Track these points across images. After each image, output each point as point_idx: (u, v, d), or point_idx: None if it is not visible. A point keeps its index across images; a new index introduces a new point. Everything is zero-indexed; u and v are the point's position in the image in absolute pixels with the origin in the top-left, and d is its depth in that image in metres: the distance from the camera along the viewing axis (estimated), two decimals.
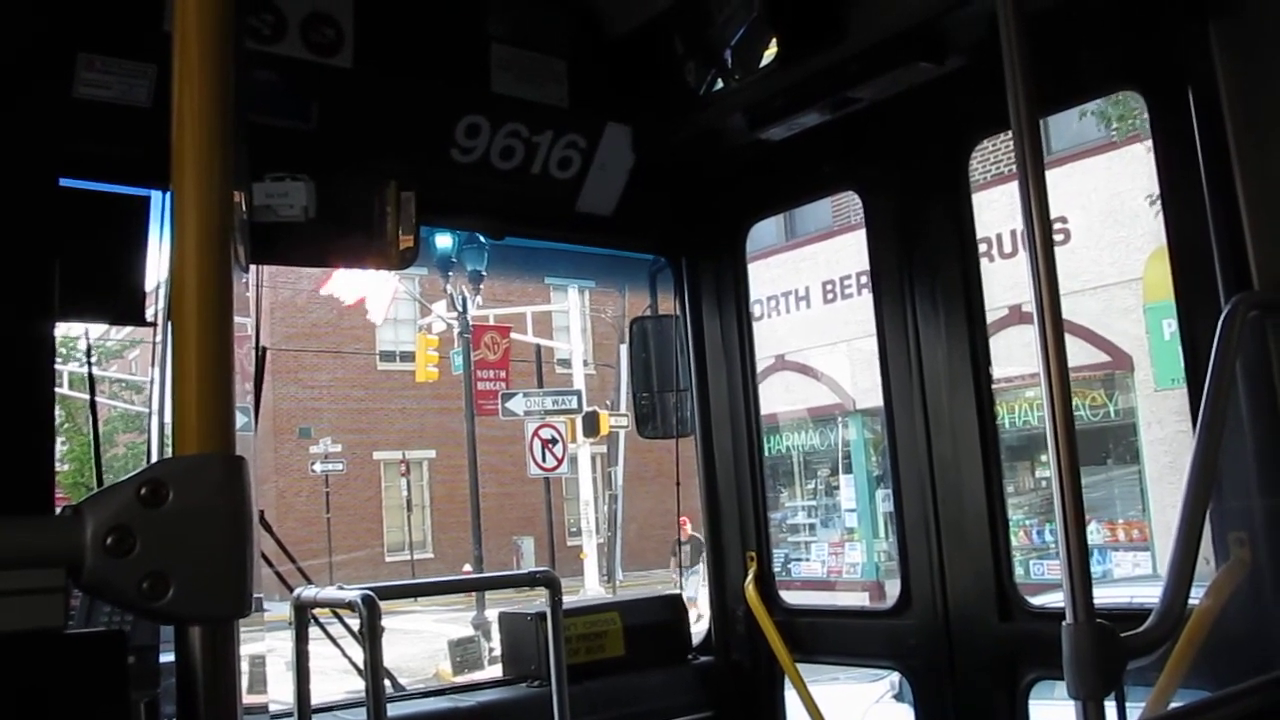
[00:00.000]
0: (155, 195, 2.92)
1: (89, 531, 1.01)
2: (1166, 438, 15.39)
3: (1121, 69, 3.23)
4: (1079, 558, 1.88)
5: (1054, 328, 1.93)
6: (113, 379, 31.12)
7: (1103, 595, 1.91)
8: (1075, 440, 1.93)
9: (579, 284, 26.23)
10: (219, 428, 1.05)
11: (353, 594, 3.06)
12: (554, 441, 23.78)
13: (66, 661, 1.12)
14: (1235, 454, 2.67)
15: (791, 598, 4.38)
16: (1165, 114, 3.04)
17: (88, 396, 3.79)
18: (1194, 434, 2.34)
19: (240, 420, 1.12)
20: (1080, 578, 1.87)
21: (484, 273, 20.90)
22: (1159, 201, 3.12)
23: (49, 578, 1.02)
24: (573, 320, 28.06)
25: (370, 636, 2.99)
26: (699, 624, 4.63)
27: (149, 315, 2.93)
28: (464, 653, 17.93)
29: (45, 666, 1.10)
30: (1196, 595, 2.53)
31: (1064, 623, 1.88)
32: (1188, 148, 2.86)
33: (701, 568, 5.23)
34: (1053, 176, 2.04)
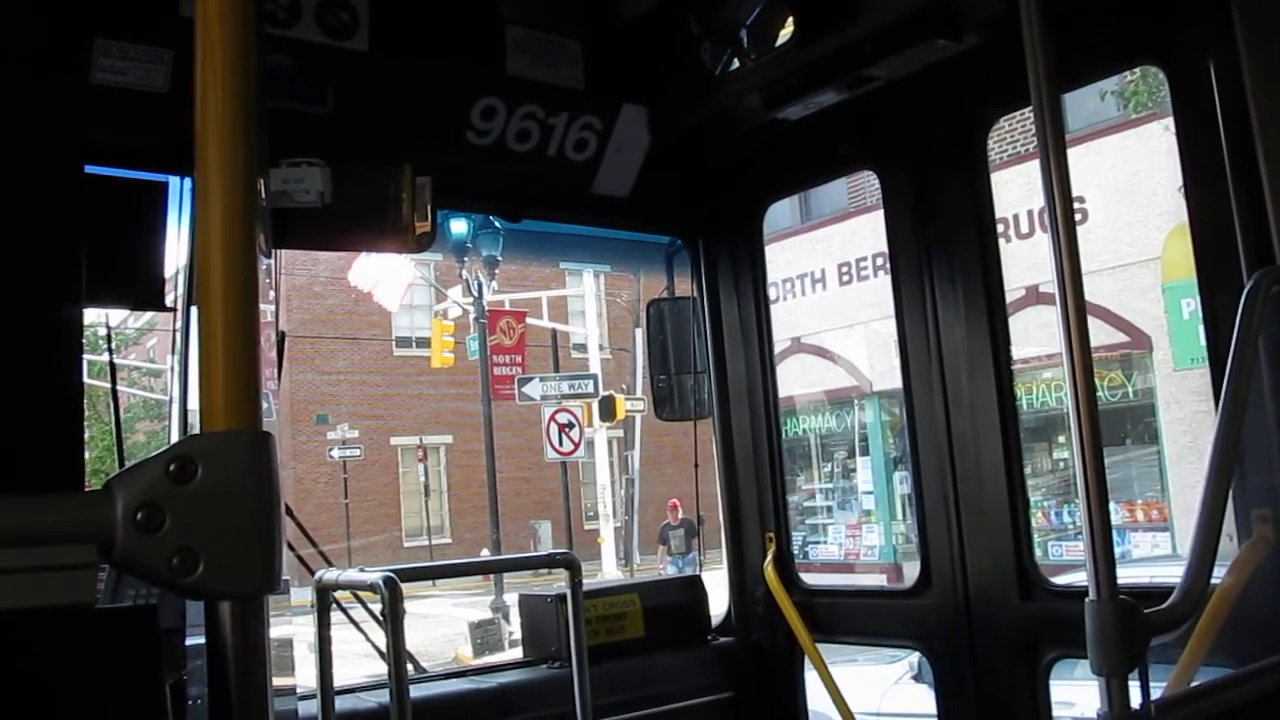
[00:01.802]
0: (173, 181, 2.94)
1: (119, 508, 1.02)
2: (1185, 418, 15.29)
3: (1142, 43, 3.20)
4: (1102, 535, 1.87)
5: (1076, 304, 1.92)
6: (131, 366, 31.29)
7: (1122, 575, 1.90)
8: (1098, 418, 1.92)
9: (594, 268, 26.19)
10: (246, 405, 1.06)
11: (374, 576, 3.07)
12: (570, 426, 23.80)
13: (99, 636, 1.13)
14: (1258, 430, 2.66)
15: (809, 579, 4.38)
16: (1186, 88, 3.01)
17: (107, 384, 3.82)
18: (1216, 410, 2.33)
19: (261, 406, 1.13)
20: (1103, 554, 1.87)
21: (499, 257, 20.87)
22: (1181, 180, 3.09)
23: (80, 554, 1.03)
24: (588, 304, 28.06)
25: (392, 618, 3.00)
26: None
27: (168, 300, 2.94)
28: (484, 635, 18.03)
29: (78, 641, 1.11)
30: (1219, 573, 2.52)
31: (1087, 599, 1.87)
32: (1209, 122, 2.83)
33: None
34: (1069, 156, 2.02)
